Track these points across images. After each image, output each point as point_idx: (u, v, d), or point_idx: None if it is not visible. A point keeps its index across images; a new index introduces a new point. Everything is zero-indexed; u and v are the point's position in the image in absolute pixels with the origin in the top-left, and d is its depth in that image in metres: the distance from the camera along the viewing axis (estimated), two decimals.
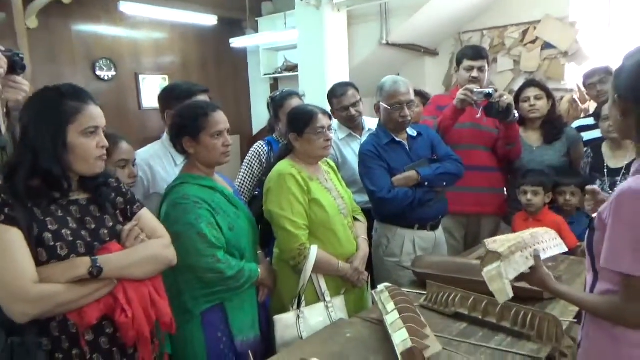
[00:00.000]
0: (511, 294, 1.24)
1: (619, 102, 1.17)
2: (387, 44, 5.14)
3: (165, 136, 2.06)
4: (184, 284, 1.67)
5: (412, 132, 2.34)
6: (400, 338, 1.36)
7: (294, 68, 5.45)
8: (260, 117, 5.94)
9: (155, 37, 4.98)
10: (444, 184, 2.27)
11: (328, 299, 1.89)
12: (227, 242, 1.69)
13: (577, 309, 1.76)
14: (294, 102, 2.40)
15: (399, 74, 5.86)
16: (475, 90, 2.45)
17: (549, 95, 2.67)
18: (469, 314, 1.70)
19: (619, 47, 4.78)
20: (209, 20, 4.89)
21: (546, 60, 5.15)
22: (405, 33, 5.19)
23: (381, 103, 2.29)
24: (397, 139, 2.29)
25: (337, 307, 1.90)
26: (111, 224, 1.37)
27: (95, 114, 1.31)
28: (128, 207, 1.44)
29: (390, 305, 1.54)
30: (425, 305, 1.82)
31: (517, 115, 2.51)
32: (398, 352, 1.32)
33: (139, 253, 1.34)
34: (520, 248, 1.31)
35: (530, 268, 1.29)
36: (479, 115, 2.51)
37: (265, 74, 5.80)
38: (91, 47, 4.37)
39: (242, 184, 2.45)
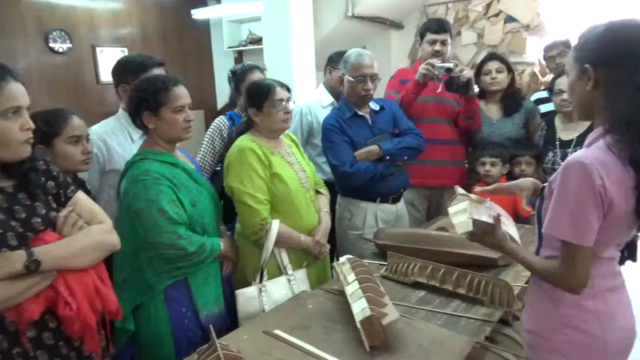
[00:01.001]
0: (471, 227, 1.29)
1: (591, 71, 1.14)
2: (353, 16, 5.10)
3: (120, 111, 2.01)
4: (146, 260, 1.66)
5: (374, 106, 2.36)
6: (360, 307, 1.40)
7: (258, 41, 5.35)
8: (224, 91, 5.80)
9: (112, 7, 4.78)
10: (405, 158, 2.30)
11: (290, 272, 1.92)
12: (189, 218, 1.68)
13: (528, 274, 1.86)
14: (256, 76, 2.38)
15: (364, 47, 5.87)
16: (436, 64, 2.47)
17: (510, 68, 2.72)
18: (427, 283, 1.76)
19: (578, 21, 4.89)
20: None
21: (509, 34, 5.23)
22: (370, 5, 5.15)
23: (345, 75, 2.29)
24: (360, 113, 2.30)
25: (300, 279, 1.93)
26: (44, 211, 1.23)
27: (15, 92, 1.15)
28: (61, 191, 1.31)
29: (351, 276, 1.57)
30: (385, 275, 1.87)
31: (477, 90, 2.56)
32: (357, 321, 1.36)
33: (80, 241, 1.23)
34: (486, 205, 1.38)
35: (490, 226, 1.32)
36: (439, 90, 2.54)
37: (229, 47, 5.67)
38: (43, 17, 4.15)
39: (204, 160, 2.42)
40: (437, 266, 1.76)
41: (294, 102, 1.97)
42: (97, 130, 1.95)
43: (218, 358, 1.16)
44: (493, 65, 2.70)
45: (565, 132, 2.45)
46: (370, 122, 2.32)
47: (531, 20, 5.09)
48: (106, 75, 4.59)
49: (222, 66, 5.90)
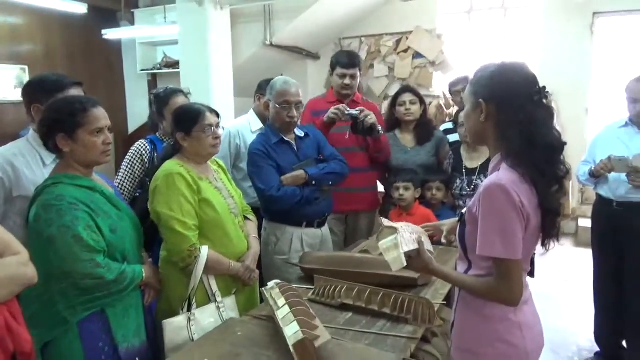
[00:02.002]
0: (405, 263, 1.33)
1: (484, 106, 1.28)
2: (271, 45, 5.21)
3: (32, 133, 1.87)
4: (58, 292, 1.53)
5: (299, 132, 2.42)
6: (292, 331, 1.40)
7: (174, 64, 5.25)
8: (137, 115, 5.63)
9: (10, 22, 4.45)
10: (330, 183, 2.38)
11: (219, 299, 1.88)
12: (108, 245, 1.60)
13: (446, 292, 1.99)
14: (180, 100, 2.34)
15: (282, 75, 6.00)
16: (345, 112, 2.60)
17: (422, 100, 2.94)
18: (354, 304, 1.81)
19: (477, 59, 5.41)
20: (77, 8, 4.49)
21: (417, 69, 5.65)
22: (288, 35, 5.30)
23: (271, 102, 2.33)
24: (286, 139, 2.35)
25: (229, 307, 1.89)
26: None
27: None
28: None
29: (281, 301, 1.58)
30: (313, 299, 1.90)
31: (381, 131, 2.71)
32: (290, 344, 1.37)
33: None
34: (409, 231, 1.44)
35: (415, 251, 1.38)
36: (347, 137, 2.67)
37: (142, 70, 5.50)
38: None
39: (122, 185, 2.31)
40: (363, 287, 1.82)
41: (222, 128, 1.96)
42: (3, 152, 1.79)
43: None
44: (407, 97, 2.89)
45: (470, 160, 2.69)
46: (295, 148, 2.37)
47: (436, 57, 5.55)
48: (2, 94, 4.24)
49: (135, 89, 5.70)
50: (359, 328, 1.68)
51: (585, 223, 4.92)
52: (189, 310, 1.80)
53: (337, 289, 1.86)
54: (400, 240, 1.35)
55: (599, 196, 2.70)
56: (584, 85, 5.03)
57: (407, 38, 5.66)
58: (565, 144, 1.28)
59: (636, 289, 2.57)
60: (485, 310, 1.32)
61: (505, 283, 1.24)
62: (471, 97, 1.34)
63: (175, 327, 1.76)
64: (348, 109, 2.62)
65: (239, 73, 4.82)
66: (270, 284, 1.75)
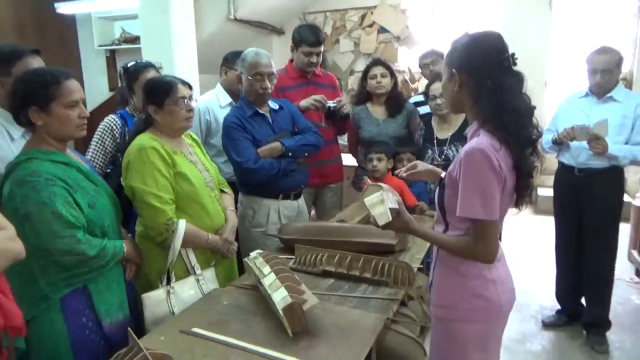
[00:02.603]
0: (390, 218, 1.38)
1: (457, 75, 1.34)
2: (235, 19, 5.10)
3: None
4: (38, 269, 1.50)
5: (273, 105, 2.41)
6: (280, 296, 1.43)
7: (133, 40, 5.06)
8: (95, 92, 5.41)
9: None
10: (306, 154, 2.39)
11: (198, 271, 1.88)
12: (88, 221, 1.56)
13: (422, 257, 2.06)
14: (150, 74, 2.27)
15: None
16: (323, 102, 2.64)
17: (392, 73, 2.97)
18: (336, 270, 1.85)
19: (441, 33, 5.49)
20: None
21: (382, 44, 5.68)
22: (252, 10, 5.20)
23: (242, 74, 2.30)
24: (261, 111, 2.33)
25: (208, 279, 1.90)
26: None
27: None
28: None
29: (267, 269, 1.60)
30: (295, 267, 1.93)
31: (351, 114, 2.80)
32: (279, 309, 1.40)
33: None
34: (390, 192, 1.49)
35: (395, 211, 1.43)
36: (323, 125, 2.71)
37: (100, 45, 5.27)
38: None
39: (94, 161, 2.24)
40: (344, 254, 1.87)
41: (195, 100, 1.93)
42: None
43: (145, 358, 1.11)
44: (378, 70, 2.92)
45: (441, 132, 2.75)
46: (270, 120, 2.36)
47: (401, 32, 5.58)
48: None
49: (93, 66, 5.47)
50: (342, 293, 1.73)
51: (544, 192, 5.16)
52: (168, 283, 1.80)
53: (319, 257, 1.90)
54: (386, 196, 1.40)
55: (561, 164, 2.83)
56: (543, 58, 5.19)
57: (372, 13, 5.66)
58: (534, 108, 1.34)
59: (594, 250, 2.73)
60: (461, 267, 1.40)
61: (482, 242, 1.31)
62: (446, 68, 1.40)
63: (154, 300, 1.75)
64: (328, 101, 2.66)
65: (202, 49, 4.69)
66: (253, 254, 1.77)
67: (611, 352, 2.70)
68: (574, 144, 2.66)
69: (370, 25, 5.68)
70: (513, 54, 1.33)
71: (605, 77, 2.58)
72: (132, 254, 1.76)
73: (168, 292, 1.76)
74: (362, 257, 1.84)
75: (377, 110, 2.98)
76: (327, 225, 2.20)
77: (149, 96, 1.88)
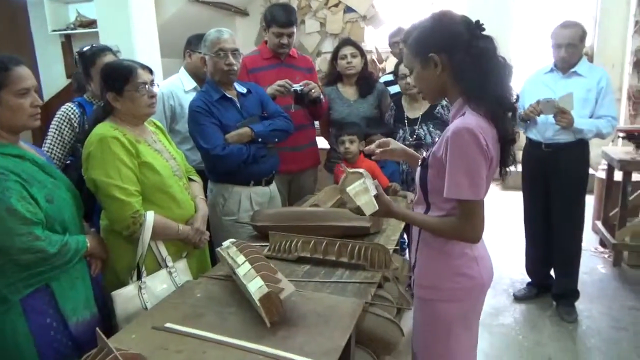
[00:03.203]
0: (377, 206, 1.35)
1: (437, 58, 1.29)
2: (197, 0, 4.93)
3: None
4: None
5: (241, 89, 2.33)
6: (256, 285, 1.39)
7: (90, 24, 4.82)
8: (52, 80, 5.16)
9: None
10: (276, 140, 2.33)
11: (170, 264, 1.81)
12: (46, 216, 1.47)
13: (397, 238, 2.05)
14: (108, 59, 2.15)
15: None
16: (287, 85, 2.53)
17: (362, 53, 2.92)
18: (311, 256, 1.82)
19: (407, 11, 5.45)
20: None
21: (348, 23, 5.61)
22: None
23: (206, 55, 2.21)
24: (228, 95, 2.25)
25: (181, 271, 1.83)
26: None
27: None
28: None
29: (241, 258, 1.55)
30: (269, 255, 1.88)
31: (322, 98, 2.69)
32: (256, 299, 1.35)
33: None
34: (367, 176, 1.45)
35: (375, 196, 1.40)
36: (292, 110, 2.58)
37: (54, 30, 5.01)
38: None
39: (52, 152, 2.12)
40: (319, 239, 1.83)
41: (158, 85, 1.84)
42: None
43: (116, 359, 1.05)
44: (348, 50, 2.86)
45: (412, 111, 2.74)
46: (238, 104, 2.28)
47: (367, 11, 5.52)
48: None
49: (47, 52, 5.19)
50: (319, 279, 1.70)
51: (511, 168, 5.25)
52: (138, 278, 1.72)
53: (294, 243, 1.86)
54: (369, 183, 1.36)
55: (529, 140, 2.87)
56: (507, 37, 5.24)
57: None
58: (512, 67, 1.33)
59: (561, 223, 2.80)
60: (445, 247, 1.39)
61: (469, 222, 1.30)
62: (417, 57, 1.34)
63: (125, 297, 1.67)
64: (293, 85, 2.55)
65: (164, 32, 4.52)
66: (226, 243, 1.72)
67: (580, 321, 2.79)
68: (540, 119, 2.69)
69: (336, 5, 5.60)
70: (478, 21, 1.31)
71: (570, 50, 2.62)
72: (97, 248, 1.68)
73: (140, 288, 1.69)
74: (337, 242, 1.81)
75: (348, 91, 2.93)
76: (301, 210, 2.16)
77: (106, 82, 1.77)
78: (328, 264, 1.80)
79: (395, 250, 2.00)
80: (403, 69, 2.72)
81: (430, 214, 1.40)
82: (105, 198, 1.69)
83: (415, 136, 2.67)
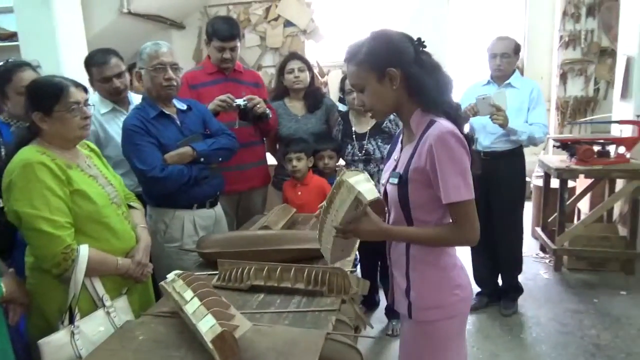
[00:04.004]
0: (378, 194, 1.31)
1: (393, 73, 1.29)
2: (129, 13, 4.69)
3: None
4: None
5: (181, 105, 2.18)
6: (208, 325, 1.26)
7: (10, 36, 4.45)
8: None
9: None
10: (220, 159, 2.20)
11: (108, 303, 1.63)
12: None
13: (352, 259, 1.97)
14: (27, 75, 1.94)
15: None
16: (228, 100, 2.42)
17: (310, 67, 2.86)
18: (265, 284, 1.70)
19: (346, 26, 5.49)
20: None
21: (289, 37, 5.56)
22: (148, 3, 4.84)
23: (142, 69, 2.06)
24: (166, 112, 2.10)
25: (121, 309, 1.65)
26: None
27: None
28: None
29: (188, 293, 1.41)
30: (219, 285, 1.75)
31: (269, 114, 2.60)
32: (208, 341, 1.22)
33: None
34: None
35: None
36: (237, 126, 2.47)
37: None
38: None
39: None
40: (273, 266, 1.72)
41: (93, 105, 1.67)
42: None
43: None
44: (295, 64, 2.80)
45: (359, 126, 2.70)
46: (178, 122, 2.13)
47: (307, 25, 5.50)
48: None
49: None
50: (275, 309, 1.58)
51: None
52: (70, 322, 1.53)
53: (245, 271, 1.73)
54: (367, 176, 1.36)
55: None
56: (443, 52, 5.40)
57: (276, 6, 5.52)
58: (452, 79, 1.39)
59: (503, 231, 2.91)
60: (440, 261, 1.37)
61: (467, 224, 1.29)
62: (372, 73, 1.32)
63: (55, 346, 1.47)
64: (235, 99, 2.43)
65: (95, 44, 4.21)
66: (170, 275, 1.56)
67: (529, 328, 2.84)
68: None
69: (276, 19, 5.54)
70: (420, 38, 1.35)
71: (505, 59, 2.79)
72: (15, 293, 1.49)
73: (72, 333, 1.49)
74: (292, 267, 1.70)
75: (296, 106, 2.86)
76: (251, 234, 2.04)
77: (32, 101, 1.58)
78: (284, 292, 1.68)
79: (351, 271, 1.93)
80: (367, 99, 2.68)
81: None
82: (31, 232, 1.50)
83: (364, 151, 2.63)
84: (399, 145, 1.48)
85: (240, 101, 2.44)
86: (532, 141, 2.79)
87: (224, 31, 2.53)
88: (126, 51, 2.63)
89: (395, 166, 1.41)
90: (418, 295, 1.40)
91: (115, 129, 2.32)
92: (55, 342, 1.47)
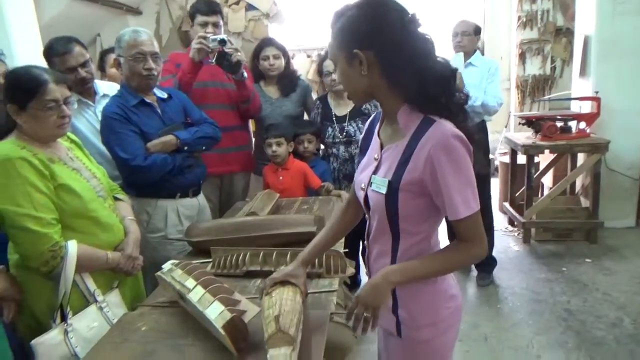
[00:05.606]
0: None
1: (362, 56, 1.07)
2: None
3: None
4: None
5: (161, 94, 2.11)
6: (216, 311, 1.24)
7: None
8: None
9: None
10: (203, 148, 2.16)
11: (100, 298, 1.58)
12: None
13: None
14: None
15: (99, 35, 5.23)
16: (209, 37, 2.38)
17: (285, 53, 2.85)
18: (261, 269, 1.70)
19: (309, 8, 5.44)
20: None
21: (251, 21, 5.45)
22: None
23: (121, 57, 1.98)
24: (147, 101, 2.03)
25: (113, 304, 1.61)
26: None
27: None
28: None
29: (190, 282, 1.38)
30: (214, 273, 1.72)
31: (246, 75, 2.55)
32: (218, 327, 1.21)
33: None
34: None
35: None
36: (212, 61, 2.42)
37: None
38: None
39: None
40: (269, 250, 1.72)
41: (75, 103, 1.58)
42: None
43: None
44: (270, 51, 2.78)
45: (339, 108, 2.71)
46: (159, 111, 2.07)
47: (270, 8, 5.41)
48: None
49: None
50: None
51: None
52: (63, 320, 1.48)
53: (240, 257, 1.72)
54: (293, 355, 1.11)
55: None
56: None
57: None
58: (456, 69, 1.13)
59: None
60: (436, 288, 1.22)
61: (478, 236, 1.10)
62: (341, 51, 1.11)
63: (49, 345, 1.42)
64: (212, 35, 2.41)
65: (47, 34, 4.00)
66: (166, 265, 1.53)
67: (505, 299, 2.97)
68: None
69: (237, 3, 5.41)
70: (414, 14, 1.08)
71: (465, 37, 2.99)
72: (8, 289, 1.43)
73: (65, 331, 1.44)
74: (289, 251, 1.70)
75: (271, 89, 2.84)
76: (240, 221, 2.01)
77: (8, 93, 1.49)
78: None
79: (345, 253, 1.95)
80: (327, 66, 2.68)
81: (402, 245, 1.18)
82: (16, 231, 1.43)
83: (345, 133, 2.64)
84: (376, 139, 1.24)
85: (218, 37, 2.40)
86: (486, 109, 2.92)
87: (205, 6, 2.56)
88: (82, 39, 2.49)
89: (377, 167, 1.18)
90: (408, 315, 1.21)
91: (84, 122, 2.22)
92: (48, 342, 1.42)
